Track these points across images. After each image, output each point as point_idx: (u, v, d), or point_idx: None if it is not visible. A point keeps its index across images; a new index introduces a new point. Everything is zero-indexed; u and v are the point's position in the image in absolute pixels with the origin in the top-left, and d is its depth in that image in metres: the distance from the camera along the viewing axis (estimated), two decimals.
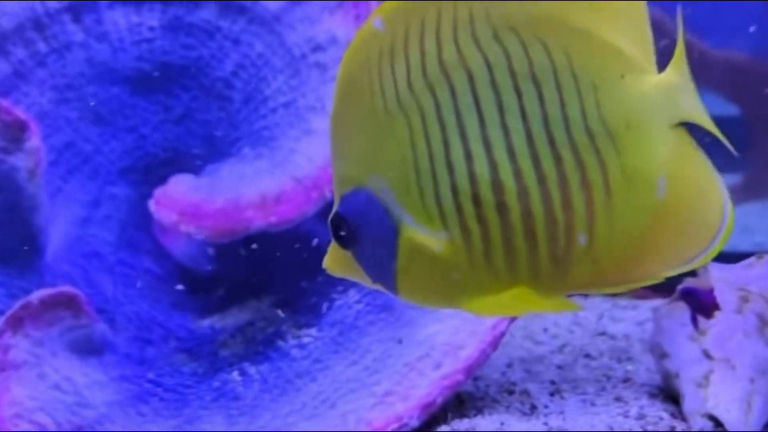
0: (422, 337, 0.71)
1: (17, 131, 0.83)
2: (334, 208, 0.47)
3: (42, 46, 0.93)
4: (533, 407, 0.73)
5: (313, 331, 0.77)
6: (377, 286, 0.47)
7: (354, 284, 0.80)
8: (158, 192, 0.85)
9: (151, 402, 0.74)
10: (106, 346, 0.77)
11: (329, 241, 0.48)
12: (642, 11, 0.44)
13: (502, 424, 0.69)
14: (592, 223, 0.43)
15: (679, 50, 0.44)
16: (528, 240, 0.43)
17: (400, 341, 0.72)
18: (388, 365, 0.71)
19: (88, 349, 0.75)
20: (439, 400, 0.67)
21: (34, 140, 0.83)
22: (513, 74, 0.42)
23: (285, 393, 0.73)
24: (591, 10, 0.43)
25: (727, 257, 0.87)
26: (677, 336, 0.72)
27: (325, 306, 0.79)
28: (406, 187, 0.44)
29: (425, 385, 0.68)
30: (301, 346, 0.76)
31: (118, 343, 0.79)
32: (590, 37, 0.43)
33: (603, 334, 0.94)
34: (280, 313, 0.82)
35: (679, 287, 0.74)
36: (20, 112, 0.83)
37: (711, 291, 0.70)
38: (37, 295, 0.73)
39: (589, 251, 0.43)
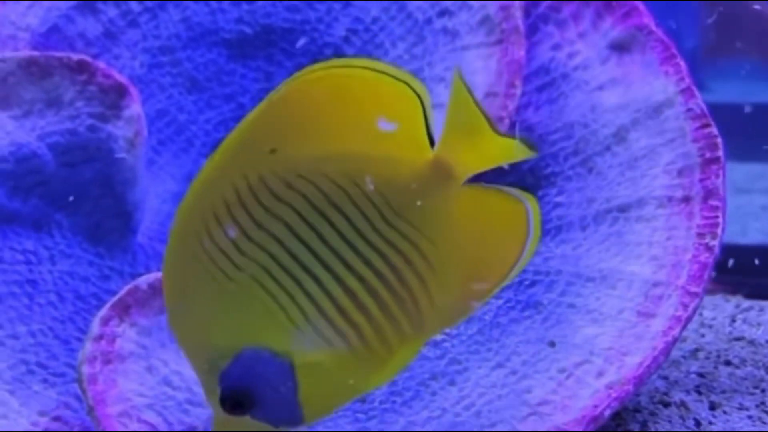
0: (579, 340, 0.63)
1: (116, 97, 0.75)
2: (214, 388, 0.52)
3: (134, 5, 0.85)
4: (697, 423, 0.65)
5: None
6: (281, 429, 0.53)
7: None
8: None
9: None
10: None
11: None
12: (414, 104, 0.52)
13: None
14: (425, 286, 0.53)
15: (447, 121, 0.52)
16: (389, 321, 0.53)
17: (552, 344, 0.64)
18: (540, 370, 0.63)
19: None
20: (607, 413, 0.59)
21: (135, 107, 0.75)
22: (316, 208, 0.51)
23: (418, 396, 0.65)
24: (362, 131, 0.51)
25: None
26: None
27: None
28: (281, 328, 0.52)
29: (588, 396, 0.60)
30: (434, 344, 0.68)
31: None
32: (360, 156, 0.51)
33: (741, 339, 0.85)
34: None
35: None
36: (119, 76, 0.76)
37: None
38: (145, 279, 0.65)
39: (433, 306, 0.53)
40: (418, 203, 0.52)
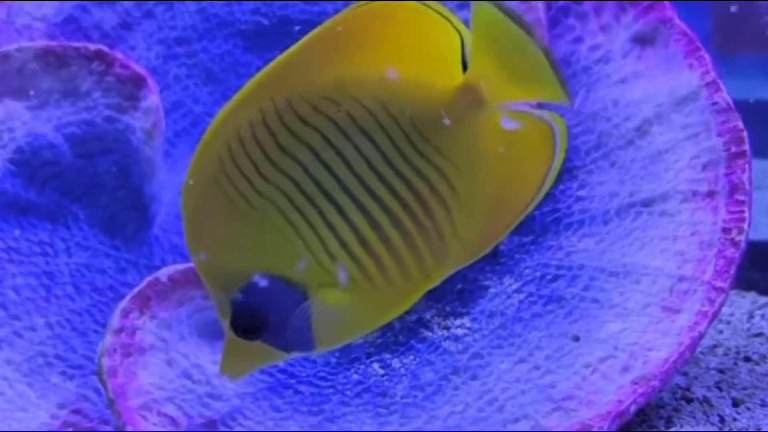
0: (603, 335, 0.63)
1: (133, 87, 0.75)
2: (226, 310, 0.52)
3: None
4: (722, 419, 0.65)
5: (465, 321, 0.69)
6: (292, 355, 0.53)
7: (508, 270, 0.71)
8: None
9: (285, 395, 0.66)
10: None
11: None
12: (452, 39, 0.51)
13: None
14: (450, 216, 0.51)
15: (472, 49, 0.50)
16: (412, 252, 0.51)
17: (576, 338, 0.63)
18: (564, 365, 0.62)
19: (216, 332, 0.67)
20: (633, 408, 0.59)
21: (153, 98, 0.75)
22: (344, 133, 0.50)
23: (440, 391, 0.64)
24: (396, 58, 0.51)
25: None
26: None
27: (474, 293, 0.71)
28: (298, 258, 0.51)
29: (613, 391, 0.59)
30: (456, 339, 0.67)
31: None
32: (392, 81, 0.51)
33: (760, 335, 0.85)
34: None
35: None
36: (137, 66, 0.75)
37: None
38: (165, 272, 0.65)
39: (457, 237, 0.52)
40: (446, 124, 0.50)
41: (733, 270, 0.62)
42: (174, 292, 0.65)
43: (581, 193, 0.71)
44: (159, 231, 0.80)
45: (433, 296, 0.74)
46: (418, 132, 0.51)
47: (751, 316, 0.91)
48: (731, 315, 0.92)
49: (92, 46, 0.74)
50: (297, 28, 0.84)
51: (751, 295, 1.01)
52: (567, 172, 0.72)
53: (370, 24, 0.50)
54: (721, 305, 0.62)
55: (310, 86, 0.50)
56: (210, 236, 0.51)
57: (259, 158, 0.50)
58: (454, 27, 0.51)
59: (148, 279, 0.64)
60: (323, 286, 0.51)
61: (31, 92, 0.73)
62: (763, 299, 0.99)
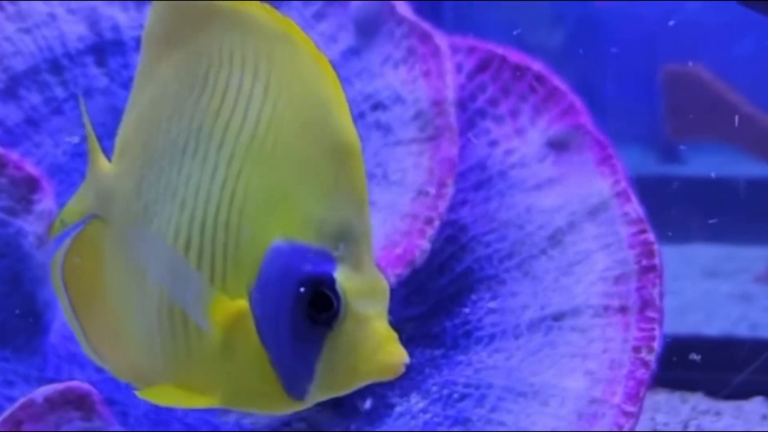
0: None
1: (27, 190, 0.71)
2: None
3: (59, 91, 0.81)
4: None
5: None
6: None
7: (416, 387, 0.68)
8: None
9: None
10: None
11: None
12: None
13: None
14: None
15: None
16: None
17: None
18: None
19: None
20: None
21: (47, 201, 0.71)
22: None
23: None
24: None
25: None
26: None
27: (381, 411, 0.66)
28: None
29: None
30: None
31: None
32: None
33: None
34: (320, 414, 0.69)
35: None
36: (32, 168, 0.72)
37: None
38: (41, 392, 0.60)
39: None
40: None
41: (643, 392, 0.59)
42: (51, 414, 0.60)
43: (492, 305, 0.67)
44: (57, 338, 0.75)
45: (342, 413, 0.70)
46: None
47: (686, 426, 0.87)
48: (666, 424, 0.89)
49: None
50: None
51: (696, 399, 0.97)
52: (479, 282, 0.69)
53: None
54: (632, 429, 0.58)
55: None
56: None
57: None
58: None
59: (22, 400, 0.60)
60: None
61: None
62: (705, 404, 0.95)
